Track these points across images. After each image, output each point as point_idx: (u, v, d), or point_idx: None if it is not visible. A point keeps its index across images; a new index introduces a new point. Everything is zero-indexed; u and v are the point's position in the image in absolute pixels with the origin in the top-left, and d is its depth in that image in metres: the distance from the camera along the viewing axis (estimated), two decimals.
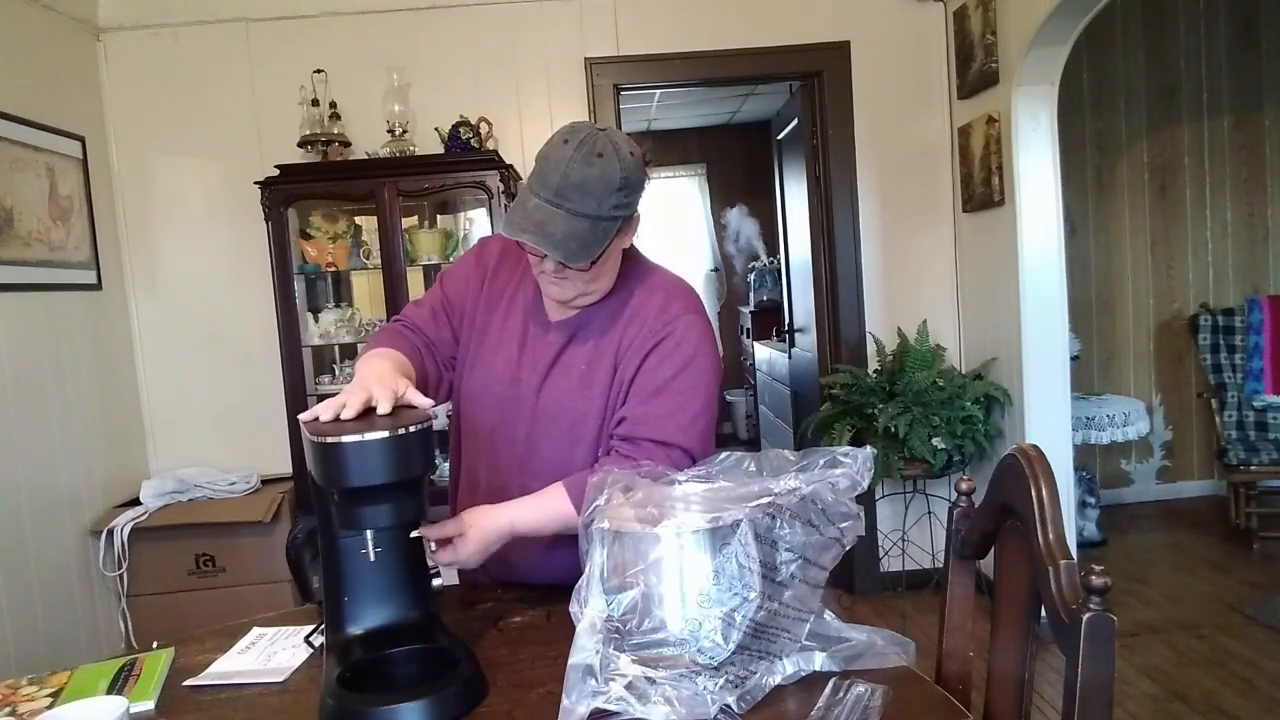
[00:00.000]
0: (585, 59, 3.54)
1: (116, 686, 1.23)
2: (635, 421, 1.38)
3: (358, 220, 3.42)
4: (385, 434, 1.08)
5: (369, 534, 1.17)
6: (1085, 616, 0.89)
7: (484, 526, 1.31)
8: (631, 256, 1.47)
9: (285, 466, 3.37)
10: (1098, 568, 0.89)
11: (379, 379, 1.21)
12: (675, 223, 7.07)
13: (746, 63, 3.64)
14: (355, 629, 1.23)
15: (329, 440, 1.07)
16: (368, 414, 1.14)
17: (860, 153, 3.68)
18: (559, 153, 1.27)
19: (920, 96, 3.67)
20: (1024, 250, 3.17)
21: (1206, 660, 2.95)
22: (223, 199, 3.48)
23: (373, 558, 1.18)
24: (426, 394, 1.40)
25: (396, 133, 3.27)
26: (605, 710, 1.01)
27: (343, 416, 1.12)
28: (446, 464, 3.30)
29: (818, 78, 3.68)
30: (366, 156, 3.30)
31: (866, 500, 3.59)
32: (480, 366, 1.50)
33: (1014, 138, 3.14)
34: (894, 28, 3.63)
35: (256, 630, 1.43)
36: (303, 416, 1.17)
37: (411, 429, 1.10)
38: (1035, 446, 1.11)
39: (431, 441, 1.16)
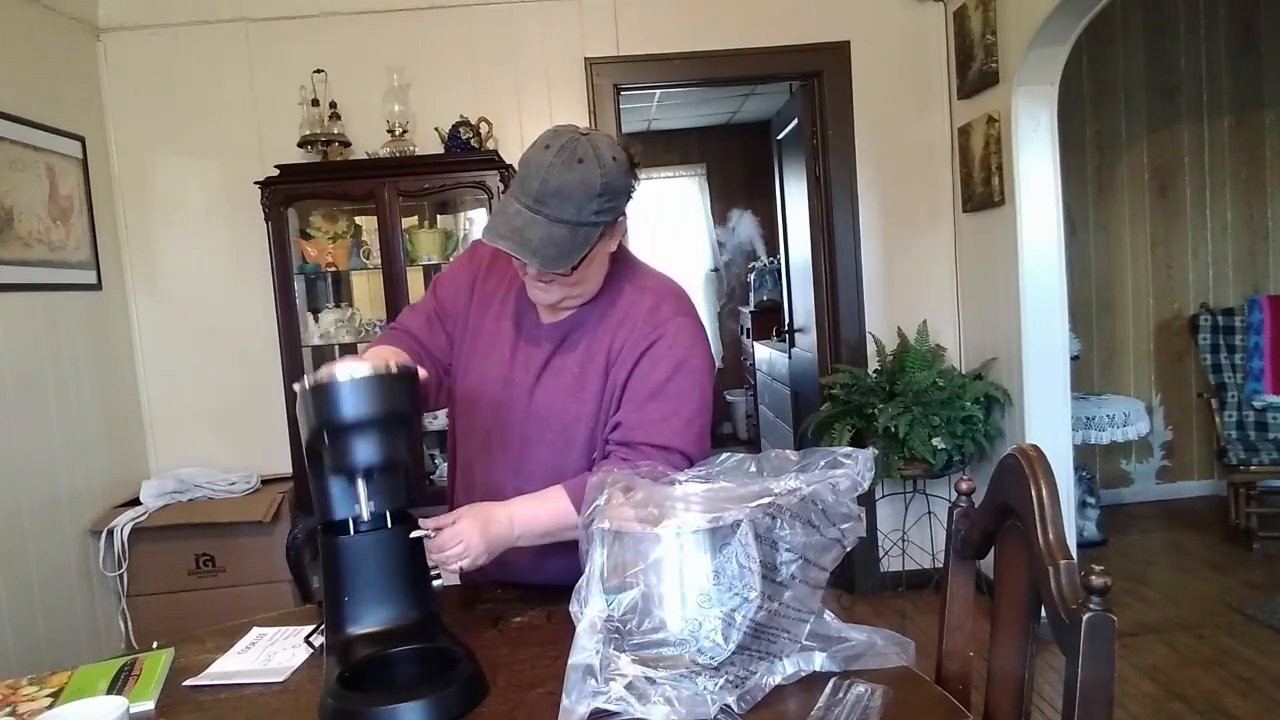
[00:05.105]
0: (585, 59, 3.54)
1: (116, 686, 1.23)
2: (631, 426, 1.38)
3: (358, 220, 3.42)
4: (370, 371, 1.18)
5: (361, 488, 1.21)
6: (1085, 616, 0.89)
7: (481, 514, 1.32)
8: (621, 258, 1.46)
9: (285, 466, 3.37)
10: (1098, 568, 0.89)
11: (375, 353, 1.36)
12: (675, 223, 7.07)
13: (746, 63, 3.63)
14: (355, 629, 1.23)
15: (322, 380, 1.17)
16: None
17: (860, 153, 3.68)
18: (540, 158, 1.26)
19: (920, 96, 3.67)
20: (1024, 250, 3.17)
21: (1206, 660, 2.95)
22: (223, 199, 3.48)
23: (366, 516, 1.21)
24: (427, 400, 1.50)
25: (396, 133, 3.27)
26: (605, 710, 1.01)
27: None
28: (446, 465, 3.30)
29: (818, 78, 3.68)
30: (366, 156, 3.31)
31: (866, 500, 3.59)
32: (474, 369, 1.50)
33: (1014, 138, 3.14)
34: (894, 28, 3.63)
35: (256, 630, 1.43)
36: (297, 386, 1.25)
37: (394, 368, 1.21)
38: (1035, 446, 1.11)
39: (418, 388, 1.27)
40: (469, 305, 1.53)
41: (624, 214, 1.36)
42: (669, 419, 1.37)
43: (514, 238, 1.26)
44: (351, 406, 1.18)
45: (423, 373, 1.33)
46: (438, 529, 1.28)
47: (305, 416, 1.22)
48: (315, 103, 3.29)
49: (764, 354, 5.83)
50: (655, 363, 1.38)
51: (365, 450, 1.19)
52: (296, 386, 1.22)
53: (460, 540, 1.28)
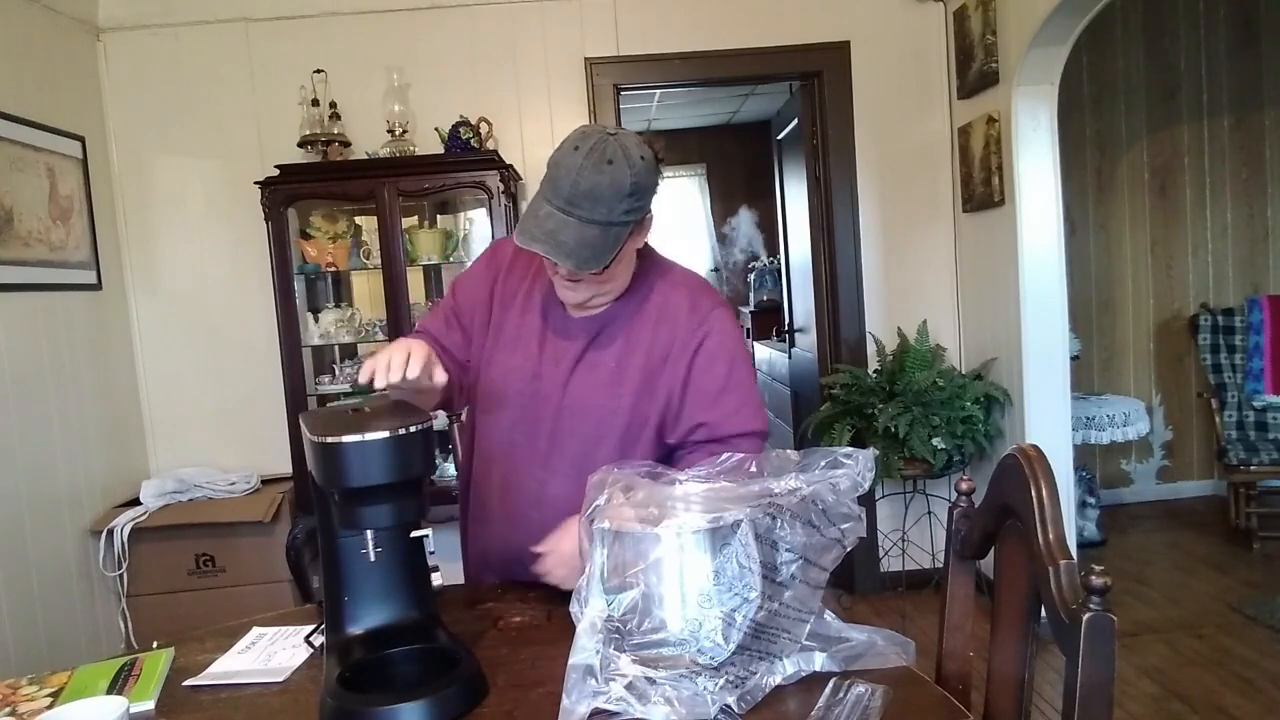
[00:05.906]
0: (585, 59, 3.53)
1: (116, 686, 1.23)
2: (716, 423, 1.44)
3: (358, 220, 3.42)
4: (385, 434, 1.08)
5: (369, 534, 1.18)
6: (1085, 616, 0.89)
7: (571, 537, 1.33)
8: (645, 254, 1.48)
9: (285, 466, 3.37)
10: (1098, 568, 0.89)
11: (417, 343, 1.33)
12: (675, 223, 7.07)
13: (746, 63, 3.63)
14: (355, 629, 1.23)
15: (329, 440, 1.07)
16: (373, 417, 1.14)
17: (860, 153, 3.68)
18: (570, 160, 1.27)
19: (920, 96, 3.67)
20: (1024, 250, 3.17)
21: (1206, 660, 2.95)
22: (223, 199, 3.48)
23: (373, 558, 1.19)
24: (451, 399, 1.51)
25: (396, 133, 3.27)
26: (605, 710, 1.01)
27: (393, 365, 1.24)
28: (447, 463, 3.30)
29: (818, 78, 3.67)
30: (366, 156, 3.31)
31: (866, 500, 3.59)
32: (497, 363, 1.50)
33: (1014, 138, 3.14)
34: (894, 28, 3.63)
35: (256, 630, 1.43)
36: (360, 375, 1.28)
37: (412, 429, 1.10)
38: (1035, 446, 1.11)
39: (432, 441, 1.16)
40: (490, 304, 1.53)
41: (650, 211, 1.37)
42: (744, 406, 1.46)
43: (548, 240, 1.27)
44: (360, 473, 1.09)
45: (441, 376, 1.35)
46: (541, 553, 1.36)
47: (312, 464, 1.15)
48: (315, 103, 3.29)
49: (764, 354, 5.83)
50: (713, 359, 1.44)
51: (374, 515, 1.14)
52: (303, 424, 1.16)
53: (564, 563, 1.34)
